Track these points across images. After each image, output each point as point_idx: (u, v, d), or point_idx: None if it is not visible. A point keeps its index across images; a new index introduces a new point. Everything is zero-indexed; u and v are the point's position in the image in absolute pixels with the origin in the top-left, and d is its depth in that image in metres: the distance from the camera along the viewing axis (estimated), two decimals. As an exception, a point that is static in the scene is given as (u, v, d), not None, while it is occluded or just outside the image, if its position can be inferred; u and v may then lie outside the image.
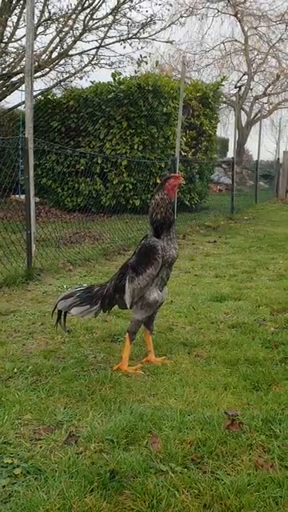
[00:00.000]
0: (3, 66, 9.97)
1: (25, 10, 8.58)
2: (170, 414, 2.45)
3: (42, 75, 10.60)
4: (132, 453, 2.13)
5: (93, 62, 11.12)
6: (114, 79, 10.55)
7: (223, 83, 12.98)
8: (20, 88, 10.29)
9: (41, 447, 2.21)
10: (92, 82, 10.84)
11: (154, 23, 10.59)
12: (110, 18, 10.61)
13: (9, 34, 9.88)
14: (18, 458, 2.09)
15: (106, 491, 1.88)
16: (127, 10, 10.64)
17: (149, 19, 10.67)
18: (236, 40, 21.65)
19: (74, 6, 10.19)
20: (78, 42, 10.42)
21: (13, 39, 9.96)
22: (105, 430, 2.30)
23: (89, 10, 10.23)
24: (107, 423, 2.38)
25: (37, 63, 9.63)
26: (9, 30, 9.80)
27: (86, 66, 11.02)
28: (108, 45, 11.01)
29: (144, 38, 11.05)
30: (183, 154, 10.75)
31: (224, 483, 1.94)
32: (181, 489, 1.89)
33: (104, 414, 2.49)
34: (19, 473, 2.00)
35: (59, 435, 2.31)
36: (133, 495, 1.85)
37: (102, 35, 10.69)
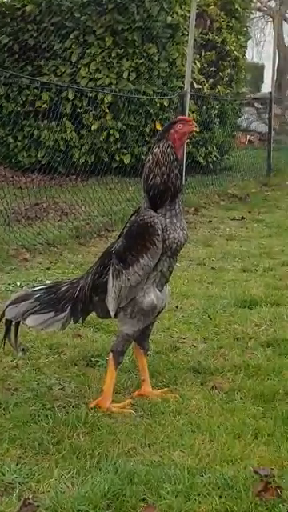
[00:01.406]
0: None
1: None
2: (173, 473, 2.46)
3: None
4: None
5: None
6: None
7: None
8: None
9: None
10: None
11: None
12: None
13: None
14: None
15: None
16: None
17: None
18: None
19: None
20: None
21: None
22: (77, 498, 2.32)
23: None
24: (80, 487, 2.40)
25: None
26: None
27: None
28: None
29: None
30: (196, 86, 10.74)
31: None
32: None
33: (76, 473, 2.50)
34: None
35: (8, 504, 2.33)
36: None
37: None
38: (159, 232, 2.89)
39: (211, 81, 11.80)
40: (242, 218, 8.35)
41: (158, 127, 10.07)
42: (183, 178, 9.14)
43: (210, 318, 4.28)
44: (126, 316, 3.01)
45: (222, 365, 3.50)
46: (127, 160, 10.32)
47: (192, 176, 10.31)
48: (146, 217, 2.92)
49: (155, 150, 2.96)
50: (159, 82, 10.47)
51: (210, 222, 8.10)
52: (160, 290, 3.02)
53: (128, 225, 2.99)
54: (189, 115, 9.39)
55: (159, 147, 2.96)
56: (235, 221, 8.26)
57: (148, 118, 10.37)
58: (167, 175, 2.93)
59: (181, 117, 3.21)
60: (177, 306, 4.50)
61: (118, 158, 10.36)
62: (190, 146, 10.86)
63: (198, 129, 3.18)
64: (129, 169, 9.78)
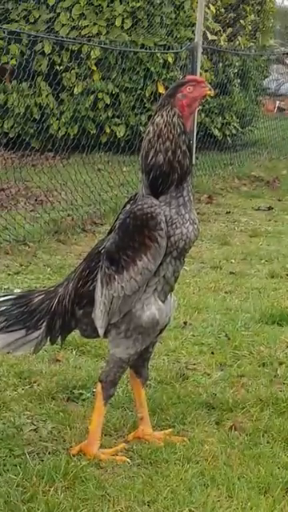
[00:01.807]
0: None
1: None
2: (180, 539, 2.47)
3: None
4: None
5: None
6: None
7: None
8: None
9: None
10: None
11: None
12: None
13: None
14: None
15: None
16: None
17: None
18: None
19: None
20: None
21: None
22: None
23: None
24: None
25: None
26: None
27: None
28: None
29: None
30: (210, 37, 10.76)
31: None
32: None
33: None
34: None
35: None
36: None
37: None
38: (162, 226, 2.90)
39: (230, 30, 11.83)
40: (270, 208, 8.36)
41: (161, 90, 10.10)
42: (193, 156, 9.18)
43: (229, 338, 4.28)
44: (120, 335, 3.01)
45: (243, 398, 3.50)
46: (121, 132, 10.35)
47: (205, 154, 10.34)
48: (145, 206, 2.93)
49: (157, 120, 2.96)
50: (162, 32, 10.50)
51: (227, 213, 8.11)
52: (163, 301, 3.02)
53: (122, 216, 3.00)
54: (200, 75, 9.41)
55: (162, 116, 2.96)
56: (260, 211, 8.27)
57: (148, 78, 10.39)
58: (172, 152, 2.93)
59: (190, 76, 3.22)
60: (185, 322, 4.50)
61: (108, 130, 10.38)
62: (203, 115, 10.90)
63: (212, 92, 3.18)
64: (123, 144, 9.81)
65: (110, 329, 3.02)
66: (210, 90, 3.05)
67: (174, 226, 2.92)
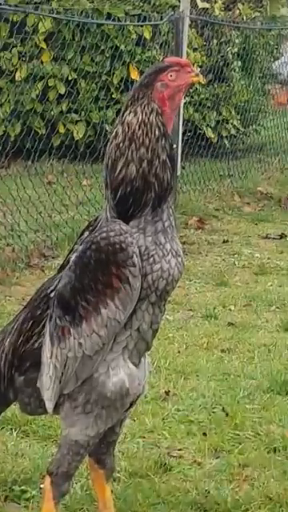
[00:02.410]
0: None
1: None
2: None
3: None
4: None
5: None
6: None
7: None
8: None
9: None
10: None
11: None
12: None
13: None
14: None
15: None
16: None
17: None
18: None
19: None
20: None
21: None
22: None
23: None
24: None
25: None
26: None
27: None
28: None
29: None
30: (201, 4, 10.84)
31: None
32: None
33: None
34: None
35: None
36: None
37: None
38: (135, 260, 2.90)
39: (226, -4, 11.94)
40: (282, 237, 8.39)
41: (134, 76, 10.14)
42: (177, 165, 9.11)
43: (226, 414, 4.26)
44: (76, 410, 2.99)
45: (246, 497, 3.48)
46: (79, 133, 10.35)
47: (194, 162, 10.38)
48: (111, 233, 2.93)
49: (129, 119, 2.97)
50: (136, -2, 10.58)
51: (225, 242, 8.12)
52: (136, 364, 3.02)
53: (79, 248, 3.00)
54: (187, 56, 9.49)
55: (136, 113, 2.97)
56: (269, 240, 8.29)
57: (116, 59, 10.43)
58: (148, 162, 2.95)
59: (172, 59, 3.21)
60: (167, 392, 4.48)
61: (62, 130, 10.38)
62: (191, 110, 10.96)
63: (202, 79, 3.19)
64: (82, 148, 9.82)
65: (63, 401, 3.00)
66: (198, 76, 3.05)
67: (151, 259, 2.93)
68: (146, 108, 2.97)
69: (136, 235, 2.94)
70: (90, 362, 2.95)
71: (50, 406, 3.01)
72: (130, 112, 2.97)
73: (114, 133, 3.00)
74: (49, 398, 3.00)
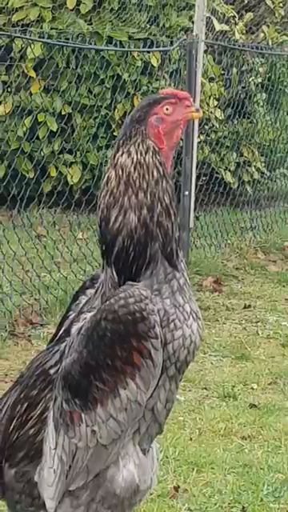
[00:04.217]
0: None
1: None
2: None
3: None
4: None
5: None
6: None
7: None
8: None
9: None
10: None
11: None
12: None
13: None
14: None
15: None
16: None
17: None
18: None
19: None
20: None
21: None
22: None
23: None
24: None
25: None
26: None
27: None
28: None
29: None
30: (219, 27, 10.91)
31: None
32: None
33: None
34: None
35: None
36: None
37: None
38: (157, 331, 2.91)
39: (249, 16, 12.05)
40: None
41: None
42: (191, 215, 9.07)
43: (247, 514, 4.27)
44: (77, 510, 2.99)
45: None
46: (74, 177, 10.40)
47: (210, 212, 10.41)
48: (131, 300, 2.93)
49: (122, 160, 3.01)
50: (142, 19, 10.67)
51: (246, 307, 8.13)
52: (144, 451, 3.02)
53: (90, 317, 3.00)
54: (202, 87, 9.55)
55: (130, 153, 3.01)
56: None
57: (119, 91, 10.50)
58: (149, 209, 2.97)
59: (168, 90, 3.24)
60: (176, 488, 4.46)
61: (54, 173, 10.42)
62: (206, 151, 11.00)
63: (200, 115, 3.19)
64: (78, 195, 9.85)
65: (63, 499, 3.00)
66: (198, 111, 3.10)
67: (171, 325, 2.95)
68: (140, 147, 3.00)
69: (154, 299, 2.95)
70: (105, 452, 2.95)
71: (51, 505, 3.00)
72: (123, 153, 3.01)
73: (105, 178, 3.03)
74: (51, 497, 2.99)
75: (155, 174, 2.98)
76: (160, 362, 2.91)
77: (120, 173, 2.99)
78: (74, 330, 3.02)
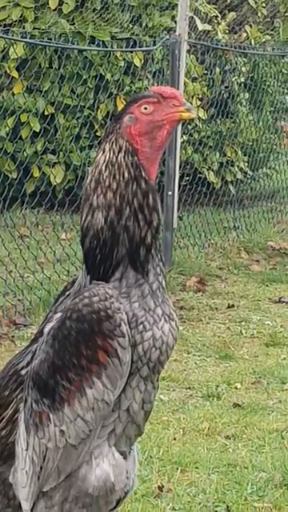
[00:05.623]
0: None
1: None
2: None
3: None
4: None
5: None
6: None
7: None
8: None
9: None
10: None
11: None
12: None
13: None
14: None
15: None
16: None
17: None
18: None
19: None
20: None
21: None
22: None
23: None
24: None
25: None
26: None
27: None
28: None
29: None
30: (201, 27, 10.89)
31: None
32: None
33: None
34: None
35: None
36: None
37: None
38: (124, 329, 2.90)
39: (232, 16, 12.03)
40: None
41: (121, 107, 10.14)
42: (174, 216, 9.04)
43: (231, 513, 4.26)
44: (51, 510, 2.98)
45: None
46: (57, 177, 10.37)
47: (193, 212, 10.39)
48: (95, 299, 2.92)
49: (97, 157, 3.00)
50: (124, 19, 10.64)
51: (230, 307, 8.15)
52: (125, 453, 3.01)
53: (57, 317, 3.00)
54: (185, 86, 9.54)
55: (103, 151, 2.99)
56: (283, 305, 8.31)
57: (102, 91, 10.49)
58: (117, 211, 2.94)
59: (157, 88, 3.13)
60: (161, 487, 4.47)
61: (37, 174, 10.40)
62: (190, 151, 10.98)
63: (194, 115, 3.09)
64: (61, 195, 9.83)
65: (37, 500, 2.99)
66: (189, 111, 3.01)
67: (140, 327, 2.93)
68: (114, 145, 2.98)
69: (121, 300, 2.93)
70: (75, 452, 2.94)
71: (26, 506, 2.99)
72: (99, 150, 3.01)
73: (87, 175, 3.03)
74: (25, 498, 2.98)
75: (126, 174, 2.94)
76: (128, 361, 2.90)
77: (94, 170, 2.98)
78: (46, 329, 3.01)
